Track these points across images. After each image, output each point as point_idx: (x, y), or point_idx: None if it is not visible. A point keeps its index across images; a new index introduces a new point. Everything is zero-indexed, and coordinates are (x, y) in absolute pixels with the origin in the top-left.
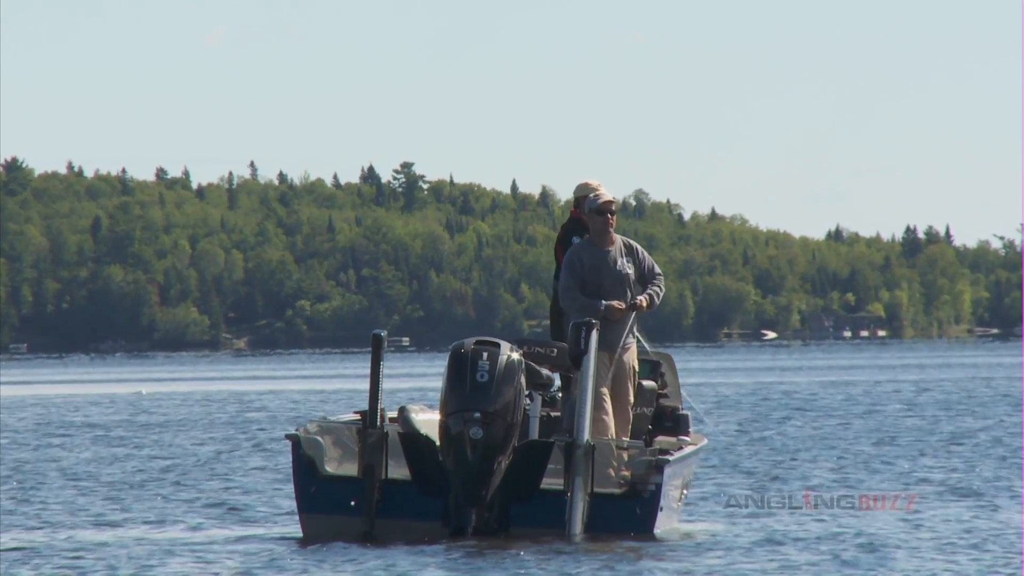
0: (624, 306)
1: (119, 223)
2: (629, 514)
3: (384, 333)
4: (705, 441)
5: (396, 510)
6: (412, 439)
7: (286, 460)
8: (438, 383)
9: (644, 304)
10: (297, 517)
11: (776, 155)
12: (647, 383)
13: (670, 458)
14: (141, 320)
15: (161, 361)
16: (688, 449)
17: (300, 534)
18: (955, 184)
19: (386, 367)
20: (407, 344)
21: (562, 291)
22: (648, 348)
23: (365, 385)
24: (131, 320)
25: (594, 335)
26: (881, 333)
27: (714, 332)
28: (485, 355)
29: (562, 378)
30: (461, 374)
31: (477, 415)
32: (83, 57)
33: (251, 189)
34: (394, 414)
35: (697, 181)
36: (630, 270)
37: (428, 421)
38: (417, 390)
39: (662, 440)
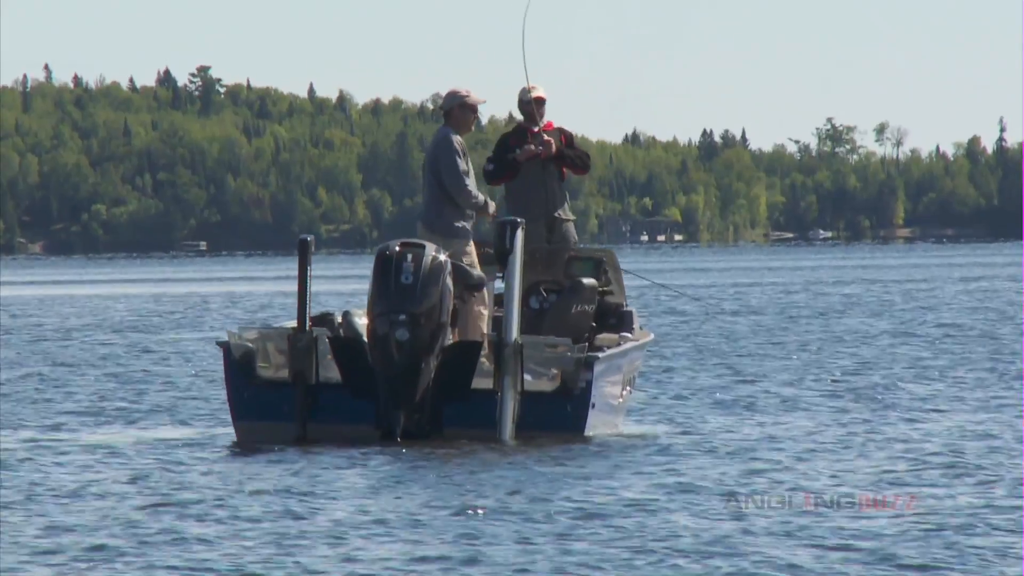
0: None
1: None
2: (560, 412)
3: (311, 238)
4: (651, 337)
5: (328, 414)
6: (342, 342)
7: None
8: (249, 286)
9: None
10: (231, 423)
11: (574, 60)
12: (587, 280)
13: (600, 355)
14: None
15: None
16: (626, 345)
17: (233, 439)
18: (751, 88)
19: (191, 272)
20: (204, 248)
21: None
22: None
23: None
24: None
25: (519, 233)
26: (678, 237)
27: None
28: (410, 257)
29: None
30: (386, 276)
31: (402, 317)
32: None
33: (46, 92)
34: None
35: (495, 85)
36: None
37: None
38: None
39: (603, 337)
